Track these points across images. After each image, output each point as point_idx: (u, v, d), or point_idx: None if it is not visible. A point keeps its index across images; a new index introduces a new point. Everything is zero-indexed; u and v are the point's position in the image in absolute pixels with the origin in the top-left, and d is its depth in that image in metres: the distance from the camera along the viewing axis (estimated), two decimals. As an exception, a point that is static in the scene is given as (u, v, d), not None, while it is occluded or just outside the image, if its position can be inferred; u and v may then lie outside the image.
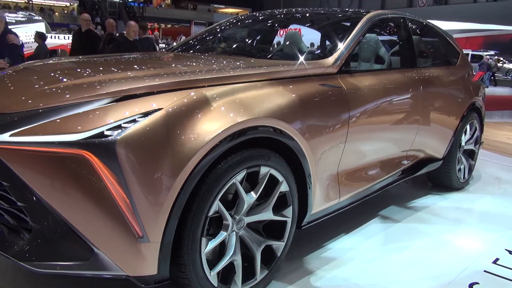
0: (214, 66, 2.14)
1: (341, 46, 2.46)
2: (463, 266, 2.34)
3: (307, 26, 3.30)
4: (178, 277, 1.64)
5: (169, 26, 30.73)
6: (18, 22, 10.08)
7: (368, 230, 2.78)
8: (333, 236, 2.64)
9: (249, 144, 1.76)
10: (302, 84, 2.11)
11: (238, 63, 2.25)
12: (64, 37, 10.94)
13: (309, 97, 2.08)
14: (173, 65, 2.26)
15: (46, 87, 1.66)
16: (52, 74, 1.93)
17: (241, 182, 1.74)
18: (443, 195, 3.54)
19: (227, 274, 1.82)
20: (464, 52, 4.15)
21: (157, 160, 1.47)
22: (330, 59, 2.34)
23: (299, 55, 2.39)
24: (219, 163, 1.63)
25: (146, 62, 2.33)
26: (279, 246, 2.01)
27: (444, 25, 11.80)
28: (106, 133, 1.44)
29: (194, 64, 2.31)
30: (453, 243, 2.68)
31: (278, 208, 1.97)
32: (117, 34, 6.58)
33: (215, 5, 36.54)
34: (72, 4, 27.37)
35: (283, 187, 1.94)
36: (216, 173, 1.62)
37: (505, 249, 2.59)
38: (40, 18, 11.64)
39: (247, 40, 3.37)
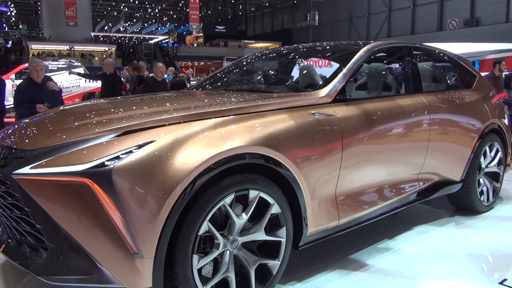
0: (211, 102, 2.40)
1: (335, 77, 2.63)
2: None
3: (308, 60, 3.53)
4: None
5: (202, 63, 32.17)
6: (59, 69, 11.13)
7: (377, 252, 2.81)
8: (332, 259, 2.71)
9: (243, 169, 1.98)
10: (293, 114, 2.30)
11: (235, 98, 2.50)
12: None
13: (299, 126, 2.27)
14: (172, 103, 2.53)
15: (64, 127, 2.02)
16: (72, 115, 2.30)
17: (230, 204, 1.95)
18: (465, 219, 3.47)
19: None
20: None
21: (148, 185, 1.73)
22: (324, 90, 2.53)
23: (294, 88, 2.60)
24: (207, 187, 1.86)
25: (153, 102, 2.64)
26: (274, 265, 2.16)
27: (476, 47, 11.67)
28: (106, 163, 1.72)
29: (193, 101, 2.55)
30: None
31: (272, 229, 2.15)
32: (150, 75, 7.13)
33: (246, 41, 37.93)
34: (110, 48, 29.49)
35: (275, 209, 2.12)
36: (204, 196, 1.86)
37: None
38: (79, 64, 12.74)
39: (252, 76, 3.58)
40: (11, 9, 36.99)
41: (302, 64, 3.48)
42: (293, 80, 3.33)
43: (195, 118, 2.00)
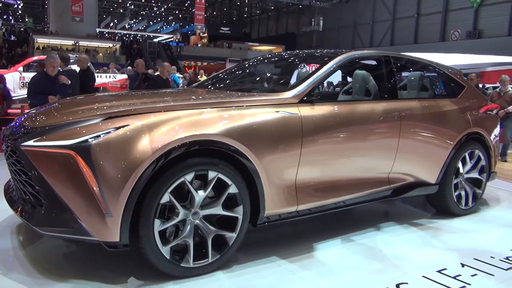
0: (189, 97, 2.84)
1: (305, 80, 2.99)
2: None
3: (287, 65, 3.90)
4: (138, 246, 2.27)
5: (205, 63, 32.64)
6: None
7: (337, 242, 3.14)
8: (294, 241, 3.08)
9: (207, 153, 2.40)
10: (259, 110, 2.67)
11: (214, 95, 2.92)
12: (106, 76, 12.22)
13: (263, 121, 2.64)
14: (155, 97, 2.91)
15: (63, 112, 2.54)
16: (72, 104, 2.77)
17: (191, 181, 2.34)
18: (435, 220, 3.71)
19: (183, 253, 2.40)
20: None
21: (119, 160, 2.16)
22: (292, 91, 2.89)
23: (267, 89, 2.97)
24: (170, 165, 2.26)
25: (142, 96, 3.03)
26: (231, 237, 2.54)
27: (476, 58, 11.99)
28: (89, 140, 2.17)
29: (174, 97, 2.95)
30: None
31: (230, 206, 2.53)
32: (156, 73, 7.49)
33: (249, 43, 38.35)
34: (114, 45, 29.98)
35: (232, 190, 2.49)
36: (167, 172, 2.26)
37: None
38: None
39: (241, 78, 3.98)
40: (19, 2, 37.51)
41: (280, 69, 3.91)
42: (273, 82, 3.75)
43: (168, 109, 2.41)
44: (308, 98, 2.91)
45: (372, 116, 3.23)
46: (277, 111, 2.74)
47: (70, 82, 5.27)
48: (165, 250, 2.31)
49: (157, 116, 2.33)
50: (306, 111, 2.84)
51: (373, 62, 3.74)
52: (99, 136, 2.18)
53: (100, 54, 26.81)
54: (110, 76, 12.48)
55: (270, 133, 2.65)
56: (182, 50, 33.25)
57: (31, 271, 2.43)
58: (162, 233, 2.33)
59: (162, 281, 2.36)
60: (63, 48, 26.08)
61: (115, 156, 2.16)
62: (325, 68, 3.12)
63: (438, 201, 3.81)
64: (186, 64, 32.44)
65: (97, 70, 13.56)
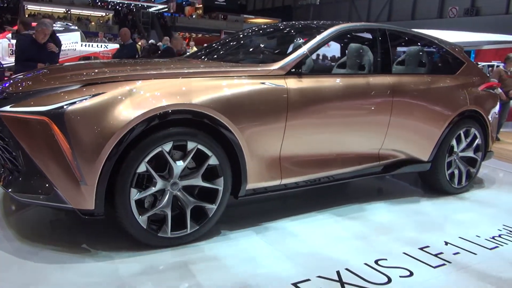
0: (173, 66, 2.73)
1: (294, 52, 2.89)
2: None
3: (280, 37, 3.78)
4: (115, 215, 2.23)
5: (200, 35, 32.01)
6: (56, 32, 11.19)
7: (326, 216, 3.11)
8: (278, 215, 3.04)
9: (188, 123, 2.32)
10: (243, 81, 2.58)
11: (198, 65, 2.80)
12: (97, 45, 11.95)
13: (246, 92, 2.55)
14: (141, 66, 2.79)
15: (44, 78, 2.46)
16: (54, 71, 2.66)
17: (169, 152, 2.28)
18: (427, 198, 3.67)
19: (161, 223, 2.36)
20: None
21: (94, 127, 2.09)
22: (279, 63, 2.78)
23: (256, 60, 2.87)
24: (148, 134, 2.19)
25: (125, 64, 2.91)
26: (210, 208, 2.50)
27: (473, 36, 11.78)
28: (64, 107, 2.10)
29: (161, 65, 2.80)
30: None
31: (211, 177, 2.47)
32: (168, 45, 7.27)
33: (245, 16, 37.59)
34: (107, 14, 29.22)
35: (212, 161, 2.43)
36: (144, 142, 2.19)
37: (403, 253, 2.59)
38: (76, 27, 12.83)
39: (233, 49, 3.82)
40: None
41: (272, 40, 3.78)
42: (263, 53, 3.63)
43: (146, 78, 2.32)
44: (296, 70, 2.82)
45: (362, 91, 3.15)
46: (262, 83, 2.65)
47: (58, 50, 5.15)
48: (142, 220, 2.27)
49: (134, 84, 2.25)
50: (292, 83, 2.76)
51: (368, 35, 3.62)
52: (74, 103, 2.11)
53: (93, 23, 26.17)
54: (102, 46, 12.19)
55: (254, 105, 2.57)
56: (176, 21, 32.49)
57: (11, 238, 2.40)
58: (140, 203, 2.29)
59: (139, 250, 2.33)
60: (54, 16, 25.39)
61: (89, 124, 2.09)
62: (315, 40, 3.01)
63: (430, 179, 3.78)
64: (181, 35, 31.76)
65: (89, 39, 13.28)
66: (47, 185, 2.13)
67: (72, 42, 10.98)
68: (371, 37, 3.53)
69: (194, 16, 35.92)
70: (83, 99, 2.12)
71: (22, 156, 2.16)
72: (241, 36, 4.00)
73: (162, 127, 2.24)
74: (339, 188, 3.80)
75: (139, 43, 12.10)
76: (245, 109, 2.53)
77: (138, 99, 2.20)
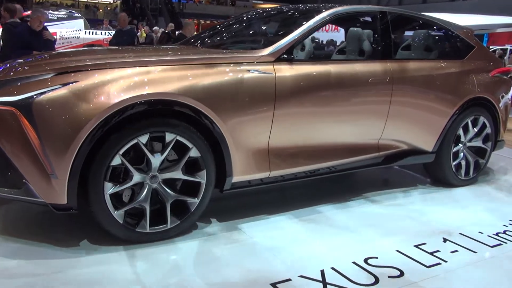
0: (155, 53, 2.63)
1: (283, 37, 2.74)
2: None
3: (275, 22, 3.61)
4: (88, 209, 2.16)
5: (208, 21, 31.65)
6: (59, 19, 11.26)
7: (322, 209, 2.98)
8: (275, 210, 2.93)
9: (168, 113, 2.22)
10: (227, 68, 2.45)
11: (183, 52, 2.71)
12: (101, 32, 11.89)
13: (230, 80, 2.42)
14: (123, 53, 2.69)
15: (23, 67, 2.35)
16: (37, 59, 2.56)
17: (146, 144, 2.18)
18: (431, 190, 3.51)
19: (140, 217, 2.28)
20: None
21: (64, 118, 2.01)
22: (268, 49, 2.65)
23: (246, 46, 2.73)
24: (122, 125, 2.10)
25: (108, 51, 2.85)
26: (193, 203, 2.40)
27: (485, 19, 11.25)
28: (33, 97, 2.02)
29: (144, 53, 2.73)
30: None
31: (193, 170, 2.37)
32: (180, 32, 7.15)
33: (254, 1, 36.99)
34: (115, 1, 29.09)
35: (194, 153, 2.33)
36: (118, 133, 2.10)
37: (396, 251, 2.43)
38: (79, 15, 12.77)
39: (225, 35, 3.68)
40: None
41: (267, 25, 3.62)
42: (257, 39, 3.47)
43: (123, 66, 2.22)
44: (288, 57, 2.67)
45: (358, 78, 2.97)
46: (249, 70, 2.51)
47: (54, 38, 5.16)
48: (118, 214, 2.19)
49: (109, 73, 2.15)
50: (282, 70, 2.62)
51: (367, 19, 3.43)
52: (44, 93, 2.03)
53: (101, 10, 26.11)
54: (105, 33, 12.09)
55: (239, 94, 2.45)
56: (184, 7, 32.22)
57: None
58: (118, 197, 2.21)
59: (115, 245, 2.26)
60: (62, 3, 25.44)
61: (59, 115, 2.01)
62: (308, 23, 2.85)
63: (435, 170, 3.60)
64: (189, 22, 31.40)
65: (94, 27, 13.22)
66: (18, 178, 2.07)
67: (75, 30, 10.94)
68: (370, 21, 3.33)
69: (202, 2, 35.52)
70: (53, 89, 2.04)
71: None
72: (236, 21, 3.85)
73: (136, 118, 2.14)
74: (334, 181, 3.65)
75: (143, 30, 11.98)
76: (228, 98, 2.40)
77: (111, 88, 2.10)
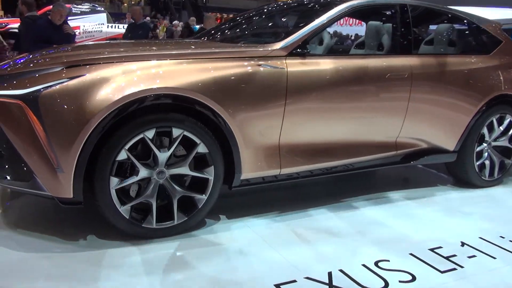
0: (164, 47, 2.65)
1: (297, 31, 2.66)
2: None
3: (292, 15, 3.53)
4: (94, 204, 2.16)
5: (231, 15, 31.55)
6: (82, 13, 11.40)
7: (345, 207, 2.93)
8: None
9: (175, 108, 2.19)
10: (238, 63, 2.40)
11: (193, 46, 2.67)
12: (123, 26, 12.00)
13: (240, 75, 2.37)
14: (129, 47, 2.66)
15: (33, 60, 2.36)
16: (51, 53, 2.57)
17: (152, 139, 2.16)
18: (451, 190, 3.37)
19: (146, 213, 2.27)
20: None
21: (70, 112, 2.01)
22: (280, 43, 2.58)
23: (260, 40, 2.69)
24: (127, 120, 2.08)
25: (122, 45, 2.84)
26: (200, 199, 2.37)
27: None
28: (40, 90, 2.02)
29: (150, 47, 2.70)
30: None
31: (200, 166, 2.34)
32: (201, 26, 7.16)
33: (276, -6, 36.62)
34: (140, -5, 29.29)
35: (201, 149, 2.29)
36: (124, 128, 2.08)
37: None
38: (102, 9, 12.86)
39: (240, 29, 3.61)
40: None
41: (284, 19, 3.54)
42: (271, 33, 3.40)
43: (131, 60, 2.21)
44: (301, 51, 2.60)
45: (375, 74, 2.86)
46: (259, 65, 2.45)
47: (74, 32, 5.21)
48: (124, 210, 2.18)
49: (118, 67, 2.14)
50: (294, 65, 2.54)
51: (387, 12, 3.29)
52: (50, 86, 2.03)
53: (125, 4, 26.33)
54: (125, 27, 12.20)
55: (248, 89, 2.39)
56: (207, 1, 32.23)
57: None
58: (125, 192, 2.21)
59: (122, 240, 2.26)
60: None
61: (65, 109, 2.01)
62: (323, 17, 2.75)
63: (456, 170, 3.46)
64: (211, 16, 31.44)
65: (118, 21, 13.36)
66: (27, 171, 2.08)
67: (98, 24, 11.05)
68: (390, 14, 3.20)
69: (225, -4, 35.38)
70: (60, 82, 2.04)
71: (3, 140, 2.10)
72: (255, 13, 3.78)
73: (143, 112, 2.12)
74: (344, 180, 3.53)
75: (163, 24, 12.00)
76: (237, 93, 2.35)
77: (118, 82, 2.08)
